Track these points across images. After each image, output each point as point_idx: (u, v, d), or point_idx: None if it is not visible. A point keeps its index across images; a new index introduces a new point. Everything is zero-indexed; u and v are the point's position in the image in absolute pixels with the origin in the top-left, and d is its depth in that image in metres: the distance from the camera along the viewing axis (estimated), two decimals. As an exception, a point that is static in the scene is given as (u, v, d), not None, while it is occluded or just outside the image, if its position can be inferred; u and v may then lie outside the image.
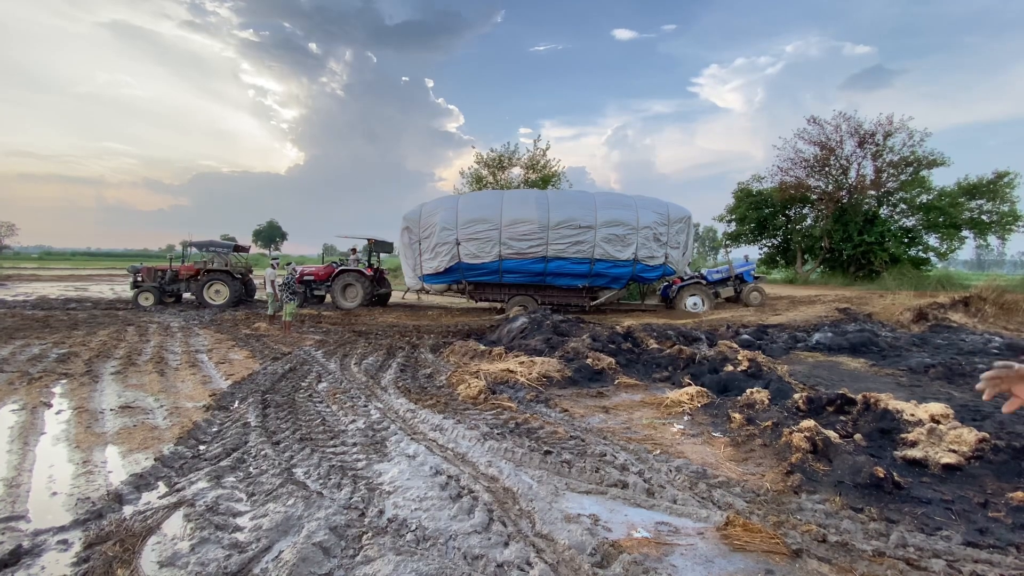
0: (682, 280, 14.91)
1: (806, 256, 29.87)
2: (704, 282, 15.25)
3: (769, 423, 4.24)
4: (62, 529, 2.77)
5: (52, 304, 14.23)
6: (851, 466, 3.37)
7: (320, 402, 5.33)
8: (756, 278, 16.89)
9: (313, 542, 2.58)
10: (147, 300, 14.13)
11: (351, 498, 3.13)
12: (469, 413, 4.97)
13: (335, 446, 4.06)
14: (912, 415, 4.02)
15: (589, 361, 6.57)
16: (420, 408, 5.12)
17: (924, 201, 26.21)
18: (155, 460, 3.68)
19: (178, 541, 2.67)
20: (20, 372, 6.26)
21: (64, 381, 5.96)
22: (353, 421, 4.71)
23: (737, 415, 4.58)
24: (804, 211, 30.73)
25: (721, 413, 4.84)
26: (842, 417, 4.37)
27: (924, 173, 26.21)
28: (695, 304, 14.61)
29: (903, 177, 26.38)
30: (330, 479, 3.41)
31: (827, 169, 28.16)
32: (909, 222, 27.18)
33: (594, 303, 13.90)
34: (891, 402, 4.22)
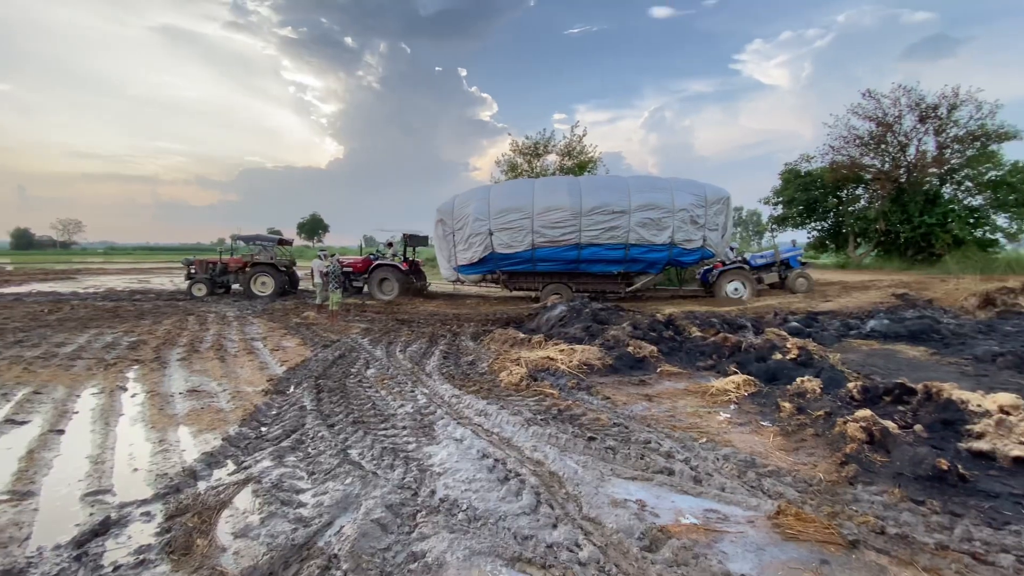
0: (723, 265, 14.50)
1: (859, 239, 28.28)
2: (747, 267, 14.77)
3: (821, 412, 4.14)
4: (144, 502, 3.02)
5: (119, 295, 15.34)
6: (911, 458, 3.26)
7: (369, 387, 5.55)
8: (803, 264, 16.21)
9: (371, 518, 2.73)
10: (200, 291, 14.98)
11: (404, 478, 3.27)
12: (512, 399, 5.06)
13: (386, 429, 4.24)
14: (979, 405, 3.81)
15: (630, 349, 6.53)
16: (464, 394, 5.26)
17: (993, 178, 24.27)
18: (223, 440, 3.96)
19: (249, 514, 2.88)
20: (97, 359, 6.80)
21: (136, 367, 6.43)
22: (402, 405, 4.89)
23: (787, 404, 4.47)
24: (857, 192, 29.00)
25: (770, 402, 4.74)
26: (901, 407, 4.19)
27: (994, 147, 24.19)
28: (736, 290, 14.20)
29: (969, 152, 24.43)
30: (383, 460, 3.58)
31: (884, 147, 26.35)
32: (975, 201, 25.19)
33: (630, 289, 13.73)
34: (955, 392, 4.02)
